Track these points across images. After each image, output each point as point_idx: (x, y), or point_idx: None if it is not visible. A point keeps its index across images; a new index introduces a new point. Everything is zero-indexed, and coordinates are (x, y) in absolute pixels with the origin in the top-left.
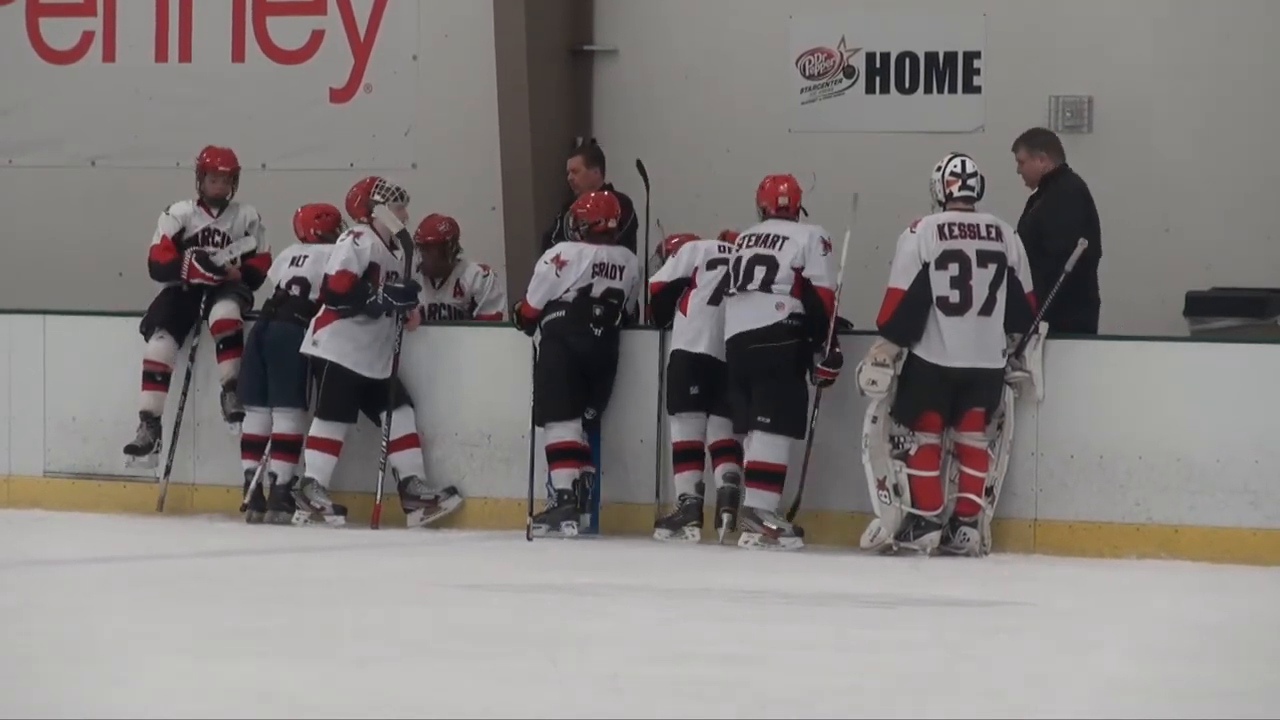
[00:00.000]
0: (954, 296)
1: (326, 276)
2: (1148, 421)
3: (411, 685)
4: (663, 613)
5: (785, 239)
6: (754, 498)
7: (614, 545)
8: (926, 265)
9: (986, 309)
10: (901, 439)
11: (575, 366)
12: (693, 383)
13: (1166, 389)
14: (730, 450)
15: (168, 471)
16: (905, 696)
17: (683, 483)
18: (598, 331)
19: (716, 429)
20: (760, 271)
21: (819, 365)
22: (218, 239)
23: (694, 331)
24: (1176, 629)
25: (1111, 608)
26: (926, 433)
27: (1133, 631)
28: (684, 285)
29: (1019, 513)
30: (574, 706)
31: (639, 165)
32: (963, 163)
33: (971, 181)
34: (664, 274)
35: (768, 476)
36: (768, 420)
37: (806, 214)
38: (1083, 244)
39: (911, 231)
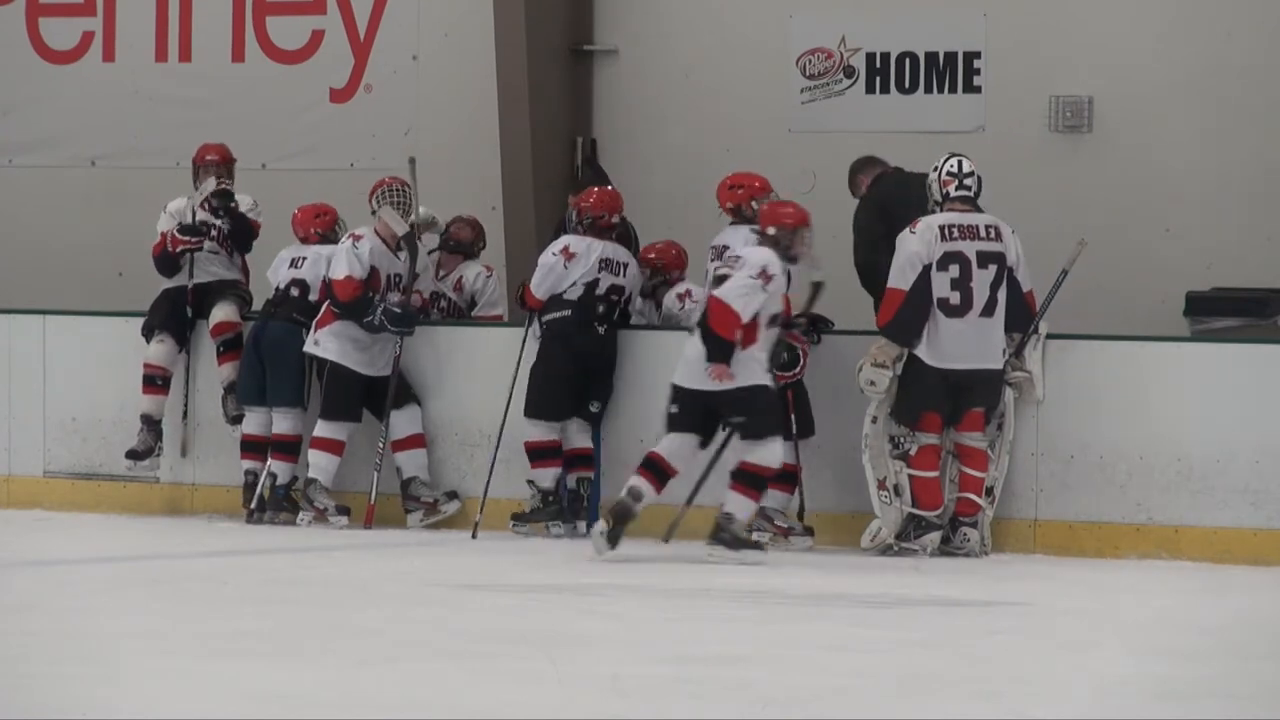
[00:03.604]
0: (955, 298)
1: (332, 281)
2: (1148, 421)
3: (411, 685)
4: (663, 613)
5: (737, 256)
6: (764, 497)
7: None
8: (928, 267)
9: (988, 310)
10: (902, 439)
11: (576, 367)
12: (673, 402)
13: (1166, 389)
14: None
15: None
16: (904, 697)
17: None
18: (602, 329)
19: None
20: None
21: (774, 371)
22: (214, 233)
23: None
24: (1176, 629)
25: (1111, 608)
26: (927, 433)
27: (1133, 631)
28: None
29: (1019, 513)
30: (574, 706)
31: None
32: (959, 163)
33: (968, 181)
34: None
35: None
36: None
37: (755, 209)
38: (1083, 244)
39: (912, 232)
